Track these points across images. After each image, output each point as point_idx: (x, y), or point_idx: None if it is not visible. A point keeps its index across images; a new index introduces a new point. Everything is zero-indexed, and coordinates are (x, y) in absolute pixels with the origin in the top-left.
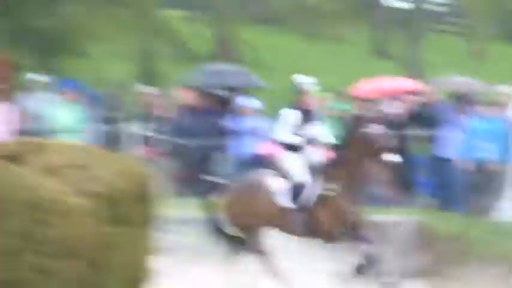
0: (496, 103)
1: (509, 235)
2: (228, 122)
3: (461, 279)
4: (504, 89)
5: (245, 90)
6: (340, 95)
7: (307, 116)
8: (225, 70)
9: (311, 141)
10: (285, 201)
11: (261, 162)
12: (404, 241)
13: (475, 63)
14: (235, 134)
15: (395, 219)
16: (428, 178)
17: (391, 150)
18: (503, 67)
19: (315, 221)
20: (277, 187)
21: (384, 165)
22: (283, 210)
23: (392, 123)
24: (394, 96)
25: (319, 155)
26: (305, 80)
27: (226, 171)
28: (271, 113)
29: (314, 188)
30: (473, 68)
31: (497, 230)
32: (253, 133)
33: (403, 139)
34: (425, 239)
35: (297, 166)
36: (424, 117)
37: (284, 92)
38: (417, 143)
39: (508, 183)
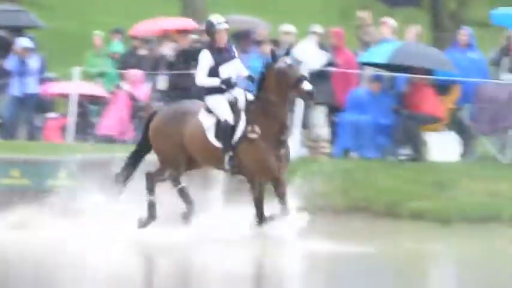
0: (277, 42)
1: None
2: (8, 62)
3: None
4: (288, 27)
5: (24, 30)
6: (119, 34)
7: (222, 54)
8: (4, 9)
9: (229, 81)
10: (212, 138)
11: (41, 102)
12: None
13: (259, 2)
14: (16, 74)
15: None
16: None
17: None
18: (287, 5)
19: (239, 162)
20: (207, 123)
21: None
22: (212, 146)
23: (167, 63)
24: (171, 35)
25: (242, 94)
26: (217, 20)
27: (7, 111)
28: (49, 52)
29: (239, 128)
30: (258, 6)
31: None
32: (33, 73)
33: (177, 78)
34: None
35: (221, 106)
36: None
37: (64, 31)
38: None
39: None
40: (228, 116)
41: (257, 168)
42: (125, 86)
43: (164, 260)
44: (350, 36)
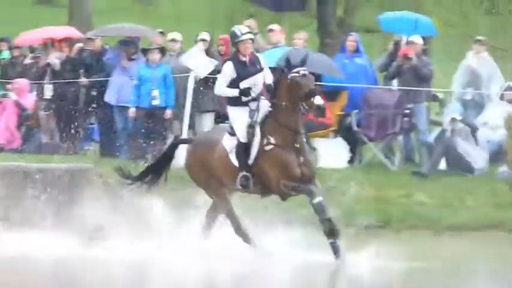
0: (164, 49)
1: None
2: None
3: None
4: (175, 35)
5: None
6: (5, 43)
7: (245, 68)
8: None
9: (247, 91)
10: (234, 159)
11: None
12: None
13: (142, 9)
14: None
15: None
16: (97, 124)
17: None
18: (174, 13)
19: (261, 179)
20: (230, 145)
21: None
22: (234, 168)
23: (53, 71)
24: (56, 44)
25: (261, 106)
26: (241, 30)
27: None
28: None
29: (254, 145)
30: (140, 14)
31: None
32: None
33: (63, 87)
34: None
35: (238, 122)
36: (87, 64)
37: None
38: (86, 91)
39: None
40: (241, 134)
41: (280, 172)
42: (12, 95)
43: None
44: None
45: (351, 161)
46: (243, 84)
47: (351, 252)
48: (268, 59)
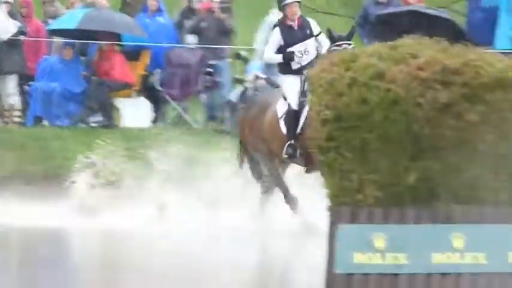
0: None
1: None
2: None
3: None
4: None
5: None
6: None
7: (293, 33)
8: None
9: (290, 55)
10: (283, 126)
11: None
12: None
13: None
14: None
15: None
16: None
17: None
18: None
19: (306, 149)
20: (281, 111)
21: None
22: (283, 135)
23: None
24: None
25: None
26: None
27: None
28: None
29: (303, 114)
30: None
31: None
32: None
33: None
34: None
35: (290, 90)
36: None
37: None
38: None
39: None
40: (292, 101)
41: None
42: None
43: None
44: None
45: (154, 120)
46: (290, 50)
47: None
48: (70, 19)
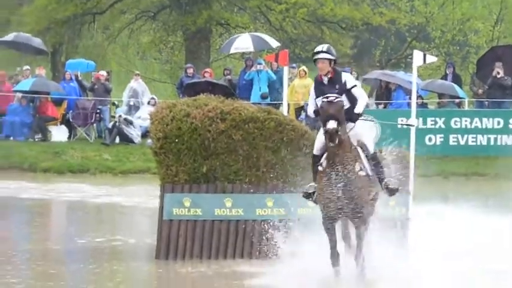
0: None
1: None
2: None
3: None
4: None
5: None
6: None
7: (321, 87)
8: None
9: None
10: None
11: None
12: None
13: None
14: None
15: None
16: None
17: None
18: None
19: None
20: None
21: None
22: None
23: None
24: None
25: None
26: (317, 48)
27: None
28: None
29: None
30: None
31: None
32: None
33: None
34: None
35: (318, 139)
36: None
37: None
38: None
39: None
40: (316, 149)
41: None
42: None
43: None
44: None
45: (69, 138)
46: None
47: None
48: (24, 85)
